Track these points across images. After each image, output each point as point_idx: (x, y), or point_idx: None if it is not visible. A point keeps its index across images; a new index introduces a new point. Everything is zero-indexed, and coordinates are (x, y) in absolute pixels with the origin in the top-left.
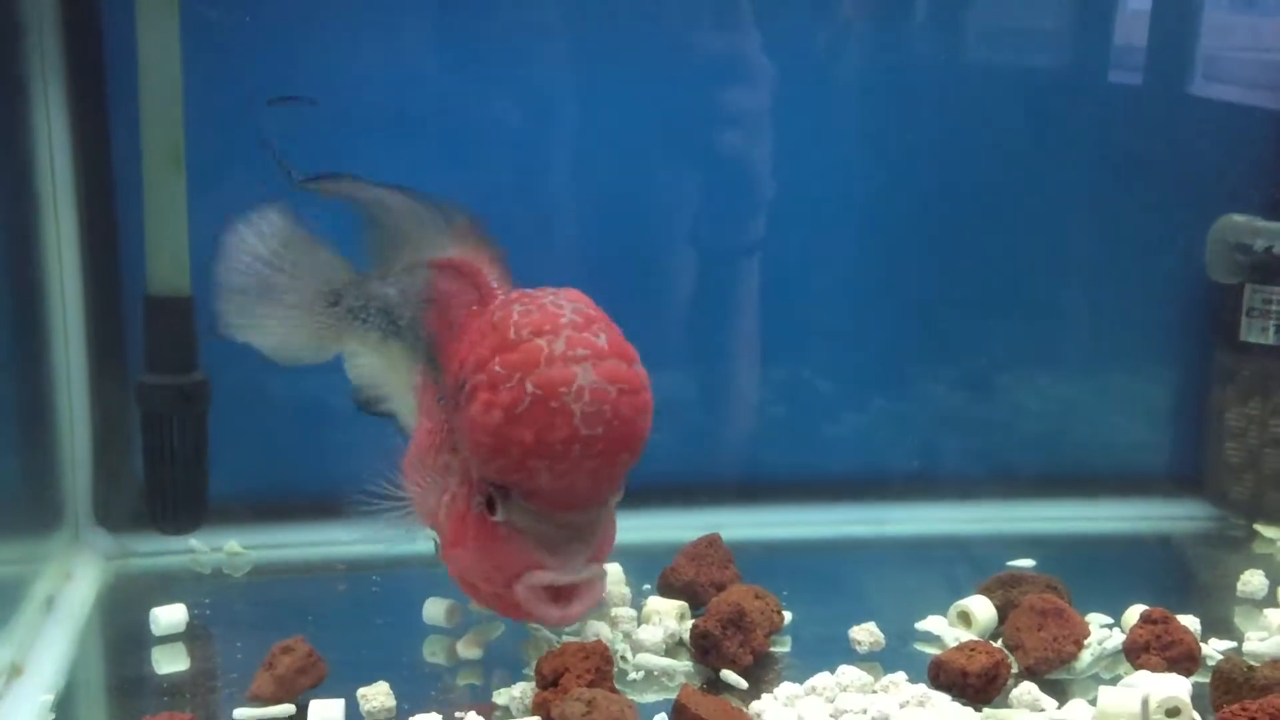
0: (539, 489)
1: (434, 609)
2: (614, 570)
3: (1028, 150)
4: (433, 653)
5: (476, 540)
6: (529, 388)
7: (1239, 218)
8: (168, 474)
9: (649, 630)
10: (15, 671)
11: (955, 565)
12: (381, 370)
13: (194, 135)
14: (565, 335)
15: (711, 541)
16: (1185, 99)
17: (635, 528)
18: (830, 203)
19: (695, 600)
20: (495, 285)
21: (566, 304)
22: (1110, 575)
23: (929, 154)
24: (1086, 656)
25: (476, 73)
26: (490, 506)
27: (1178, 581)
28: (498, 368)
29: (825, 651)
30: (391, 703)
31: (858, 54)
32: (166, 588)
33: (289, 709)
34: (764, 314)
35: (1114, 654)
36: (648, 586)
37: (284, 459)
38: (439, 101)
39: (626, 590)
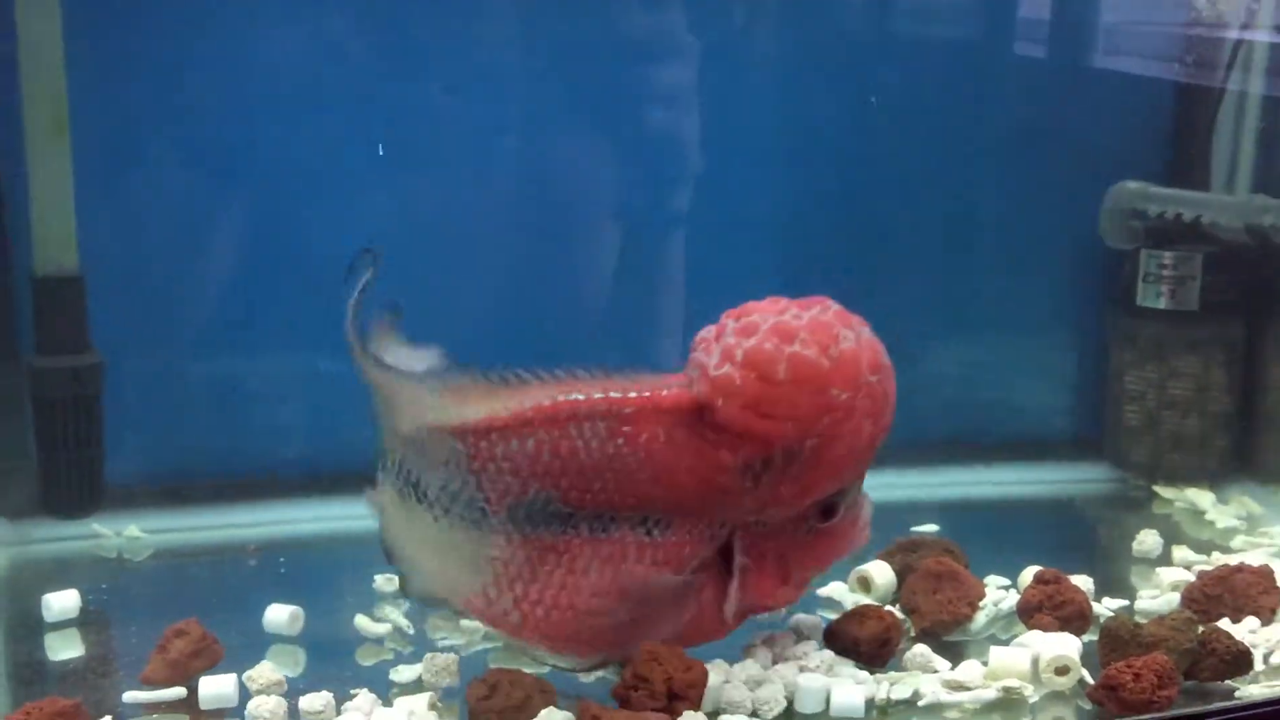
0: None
1: (276, 615)
2: None
3: (933, 121)
4: (332, 632)
5: (806, 558)
6: (868, 390)
7: (1133, 184)
8: (61, 458)
9: None
10: None
11: None
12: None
13: (79, 107)
14: (819, 338)
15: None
16: (1086, 70)
17: None
18: (738, 177)
19: None
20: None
21: (760, 317)
22: (1011, 538)
23: (833, 127)
24: (981, 618)
25: (389, 50)
26: (829, 512)
27: (1076, 543)
28: (842, 395)
29: None
30: (278, 676)
31: (761, 26)
32: (65, 573)
33: (180, 692)
34: (677, 289)
35: (1009, 615)
36: None
37: (188, 441)
38: (350, 80)
39: None
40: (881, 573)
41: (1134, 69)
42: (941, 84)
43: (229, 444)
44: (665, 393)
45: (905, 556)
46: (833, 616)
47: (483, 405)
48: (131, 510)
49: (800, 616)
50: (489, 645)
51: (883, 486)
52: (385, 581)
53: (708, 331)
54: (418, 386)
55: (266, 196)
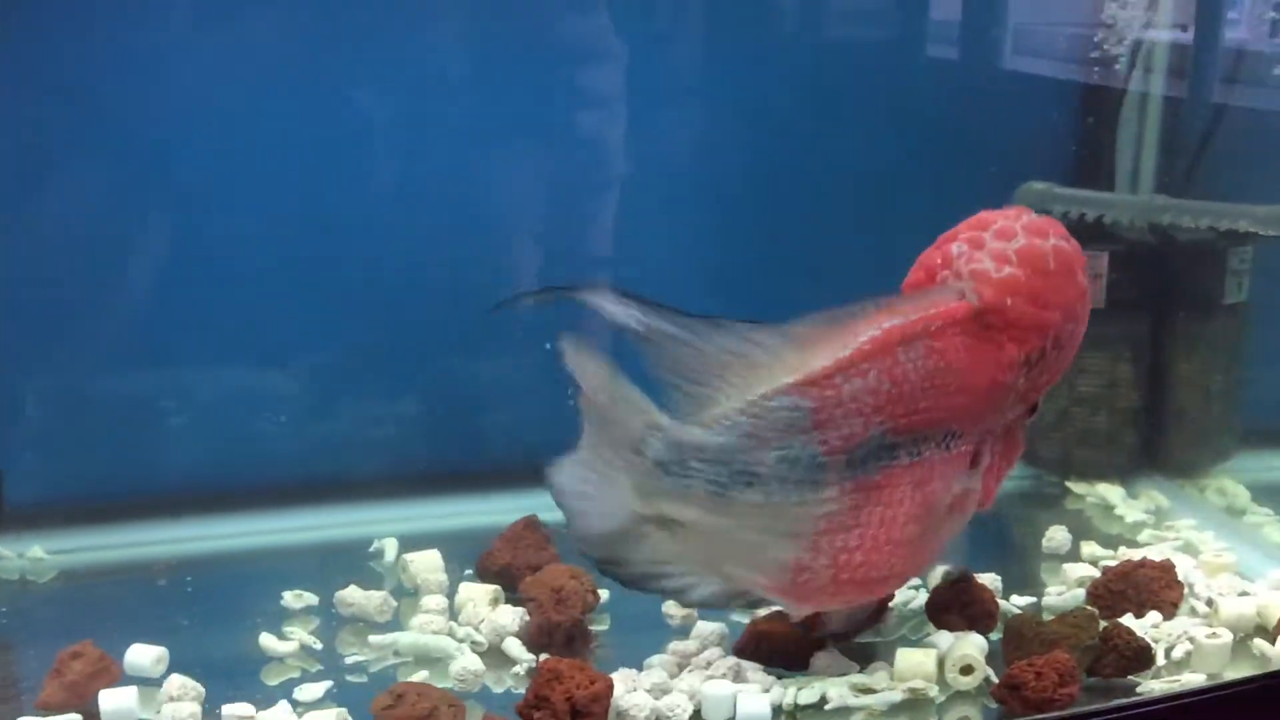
0: None
1: (138, 657)
2: (430, 558)
3: (847, 123)
4: (236, 649)
5: (1012, 455)
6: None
7: (1038, 185)
8: None
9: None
10: None
11: None
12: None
13: None
14: (1056, 231)
15: (529, 523)
16: (996, 72)
17: (457, 514)
18: (659, 182)
19: (512, 583)
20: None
21: (1007, 221)
22: None
23: (748, 131)
24: (891, 619)
25: (302, 56)
26: (1034, 409)
27: (988, 540)
28: (1085, 281)
29: (640, 628)
30: (192, 685)
31: (677, 31)
32: None
33: (76, 718)
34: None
35: (920, 615)
36: (469, 572)
37: (92, 459)
38: (263, 89)
39: (443, 578)
40: None
41: (1045, 70)
42: (852, 86)
43: (134, 461)
44: (954, 305)
45: None
46: (745, 621)
47: (820, 351)
48: (34, 531)
49: (703, 624)
50: (398, 661)
51: None
52: (294, 598)
53: (950, 249)
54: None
55: (173, 209)
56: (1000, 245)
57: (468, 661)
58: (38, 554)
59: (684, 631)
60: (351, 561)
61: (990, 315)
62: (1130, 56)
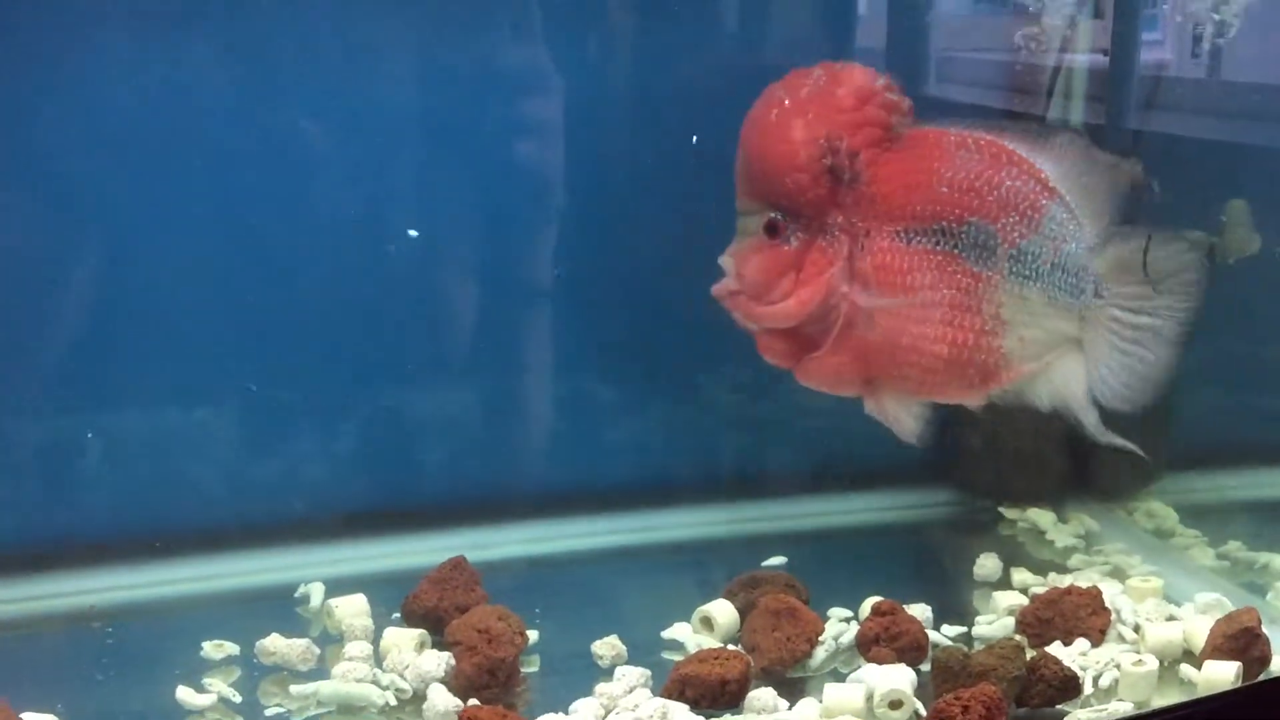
0: None
1: None
2: (356, 602)
3: None
4: (153, 703)
5: None
6: None
7: None
8: None
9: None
10: None
11: (710, 569)
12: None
13: None
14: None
15: (456, 564)
16: (918, 98)
17: (386, 555)
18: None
19: (439, 626)
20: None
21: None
22: (857, 567)
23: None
24: (820, 653)
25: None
26: None
27: (920, 569)
28: None
29: (569, 669)
30: None
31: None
32: None
33: None
34: (519, 325)
35: (850, 648)
36: (397, 615)
37: (10, 506)
38: (194, 120)
39: (369, 623)
40: (723, 612)
41: (970, 99)
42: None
43: (53, 507)
44: None
45: (747, 594)
46: (677, 659)
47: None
48: None
49: (628, 667)
50: (320, 711)
51: (729, 521)
52: (214, 648)
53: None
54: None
55: (92, 243)
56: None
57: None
58: None
59: (611, 673)
60: (277, 607)
61: None
62: (1049, 82)
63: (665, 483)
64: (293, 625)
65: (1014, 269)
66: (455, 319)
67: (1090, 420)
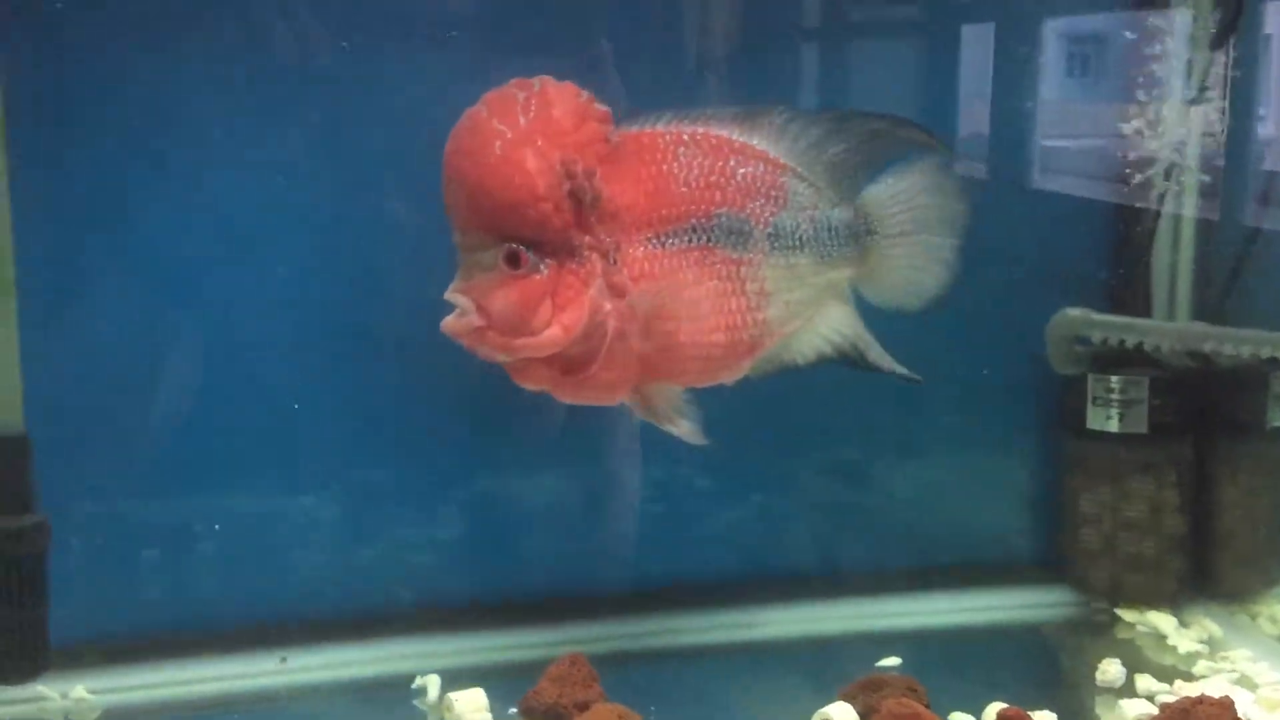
0: None
1: None
2: (475, 697)
3: None
4: None
5: None
6: None
7: (1075, 312)
8: (4, 621)
9: None
10: None
11: (824, 667)
12: None
13: (26, 262)
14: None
15: (574, 660)
16: (1026, 191)
17: (501, 647)
18: None
19: None
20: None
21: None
22: (975, 670)
23: None
24: None
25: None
26: None
27: (1040, 673)
28: None
29: None
30: None
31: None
32: None
33: None
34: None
35: None
36: (513, 710)
37: (136, 596)
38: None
39: (489, 717)
40: (844, 715)
41: (1073, 189)
42: None
43: (173, 595)
44: None
45: (867, 697)
46: None
47: None
48: (78, 671)
49: None
50: None
51: (843, 618)
52: None
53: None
54: None
55: (199, 330)
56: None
57: None
58: (81, 694)
59: None
60: (393, 700)
61: None
62: (1162, 176)
63: (767, 576)
64: (410, 719)
65: (776, 245)
66: (561, 411)
67: (872, 352)
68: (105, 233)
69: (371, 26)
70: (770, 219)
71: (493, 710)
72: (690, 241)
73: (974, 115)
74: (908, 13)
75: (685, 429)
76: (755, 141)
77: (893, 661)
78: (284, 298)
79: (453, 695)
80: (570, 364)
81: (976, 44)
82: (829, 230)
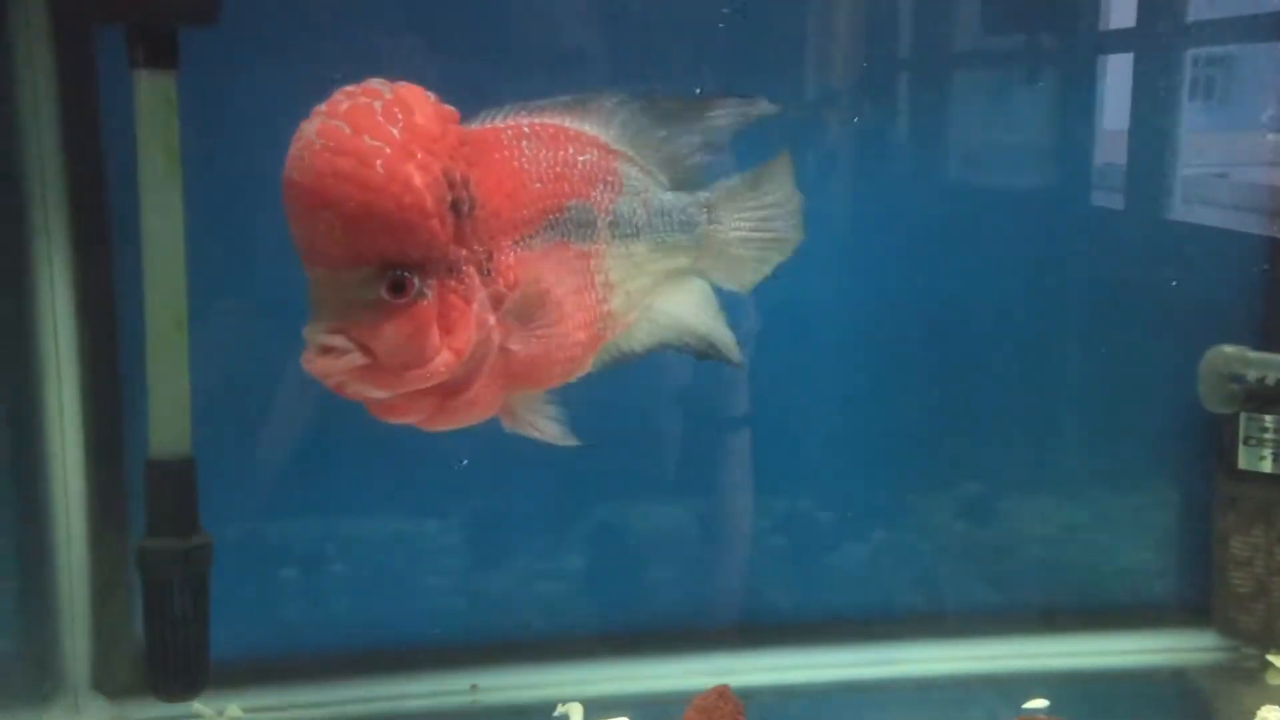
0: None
1: None
2: None
3: (1017, 273)
4: None
5: None
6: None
7: (1229, 349)
8: (169, 639)
9: None
10: None
11: (967, 708)
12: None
13: (197, 299)
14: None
15: (721, 693)
16: (1165, 222)
17: (642, 677)
18: (824, 324)
19: None
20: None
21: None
22: (1125, 714)
23: (920, 275)
24: None
25: None
26: None
27: (1192, 718)
28: None
29: None
30: None
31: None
32: None
33: None
34: (754, 442)
35: None
36: None
37: (290, 615)
38: None
39: None
40: None
41: (1220, 221)
42: (1027, 236)
43: (333, 616)
44: None
45: None
46: None
47: None
48: (233, 688)
49: None
50: None
51: (985, 658)
52: None
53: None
54: None
55: None
56: None
57: None
58: (235, 713)
59: None
60: None
61: None
62: None
63: (903, 613)
64: None
65: (615, 233)
66: (706, 444)
67: (721, 338)
68: (270, 265)
69: None
70: (610, 206)
71: None
72: (549, 239)
73: (1114, 146)
74: (1051, 41)
75: (553, 432)
76: (586, 128)
77: (1040, 704)
78: None
79: None
80: (453, 388)
81: (1117, 73)
82: (662, 215)
